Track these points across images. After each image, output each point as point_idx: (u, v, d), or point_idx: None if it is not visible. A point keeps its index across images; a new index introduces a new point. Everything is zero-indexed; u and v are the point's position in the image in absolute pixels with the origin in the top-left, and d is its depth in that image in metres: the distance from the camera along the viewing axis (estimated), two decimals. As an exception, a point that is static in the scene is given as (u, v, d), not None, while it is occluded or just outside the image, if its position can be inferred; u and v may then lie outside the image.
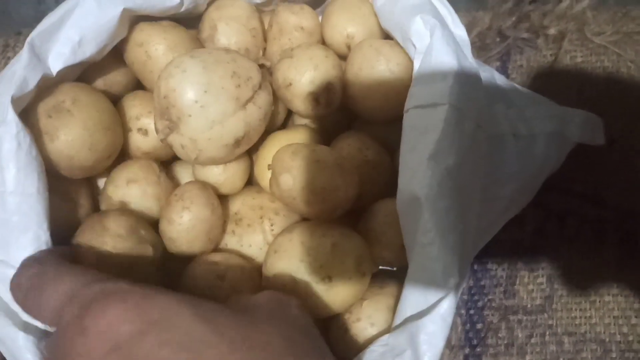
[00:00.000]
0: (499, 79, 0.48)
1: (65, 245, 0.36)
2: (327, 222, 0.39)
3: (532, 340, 0.51)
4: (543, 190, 0.46)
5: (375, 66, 0.41)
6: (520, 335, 0.51)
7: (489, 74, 0.47)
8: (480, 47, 0.58)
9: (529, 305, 0.52)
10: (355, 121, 0.48)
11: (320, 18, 0.47)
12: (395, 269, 0.42)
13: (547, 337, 0.51)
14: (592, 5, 0.57)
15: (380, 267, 0.43)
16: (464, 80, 0.36)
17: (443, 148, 0.34)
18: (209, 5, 0.45)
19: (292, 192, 0.36)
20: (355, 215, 0.42)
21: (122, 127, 0.42)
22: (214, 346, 0.24)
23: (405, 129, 0.36)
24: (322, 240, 0.37)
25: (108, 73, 0.44)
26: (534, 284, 0.52)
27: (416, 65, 0.37)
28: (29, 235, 0.34)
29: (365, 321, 0.38)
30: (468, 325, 0.52)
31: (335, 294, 0.36)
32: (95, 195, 0.43)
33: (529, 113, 0.45)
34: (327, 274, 0.36)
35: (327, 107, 0.42)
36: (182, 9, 0.42)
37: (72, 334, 0.25)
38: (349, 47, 0.44)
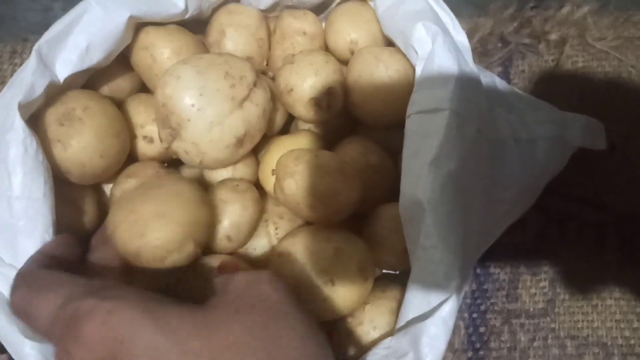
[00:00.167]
0: (500, 84, 0.48)
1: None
2: (331, 226, 0.39)
3: (535, 344, 0.51)
4: (545, 194, 0.46)
5: (374, 73, 0.42)
6: (522, 339, 0.51)
7: (490, 79, 0.48)
8: (482, 53, 0.58)
9: (531, 309, 0.52)
10: (358, 126, 0.48)
11: (323, 24, 0.48)
12: (397, 272, 0.42)
13: (549, 341, 0.51)
14: (593, 10, 0.58)
15: (383, 271, 0.43)
16: (465, 85, 0.36)
17: (445, 153, 0.34)
18: (217, 9, 0.46)
19: (295, 197, 0.37)
20: (359, 219, 0.42)
21: (129, 132, 0.42)
22: (175, 355, 0.25)
23: (407, 134, 0.36)
24: (325, 244, 0.37)
25: (113, 79, 0.44)
26: (536, 287, 0.52)
27: (418, 71, 0.38)
28: (35, 240, 0.34)
29: (368, 325, 0.38)
30: (471, 328, 0.52)
31: (338, 298, 0.36)
32: (101, 201, 0.44)
33: (530, 118, 0.45)
34: (330, 278, 0.36)
35: (328, 112, 0.43)
36: (187, 16, 0.43)
37: (62, 355, 0.27)
38: (352, 53, 0.45)
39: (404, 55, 0.42)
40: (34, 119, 0.37)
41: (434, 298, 0.33)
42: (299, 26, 0.46)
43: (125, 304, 0.27)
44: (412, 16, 0.39)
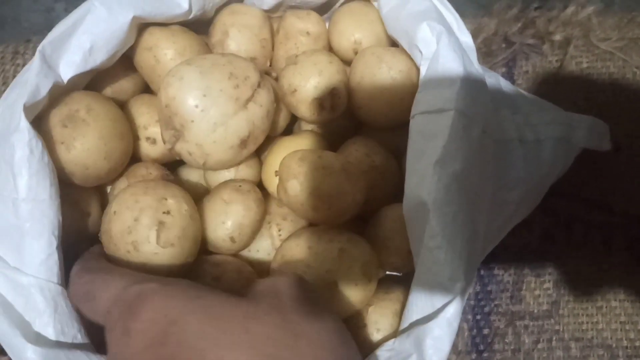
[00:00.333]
0: (505, 85, 0.48)
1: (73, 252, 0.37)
2: (335, 227, 0.39)
3: (539, 346, 0.51)
4: (550, 195, 0.46)
5: (377, 73, 0.41)
6: (527, 341, 0.51)
7: (495, 79, 0.48)
8: (486, 53, 0.58)
9: (535, 311, 0.52)
10: (362, 127, 0.48)
11: (327, 24, 0.48)
12: (401, 274, 0.42)
13: (553, 343, 0.51)
14: (597, 11, 0.57)
15: (387, 273, 0.43)
16: (470, 86, 0.36)
17: (450, 153, 0.34)
18: (221, 9, 0.46)
19: (299, 198, 0.36)
20: (363, 220, 0.42)
21: (132, 134, 0.42)
22: (223, 343, 0.27)
23: (412, 134, 0.36)
24: (329, 245, 0.37)
25: (116, 80, 0.44)
26: (540, 289, 0.52)
27: (422, 72, 0.38)
28: (42, 242, 0.34)
29: (372, 327, 0.38)
30: (475, 330, 0.52)
31: (341, 299, 0.36)
32: (104, 203, 0.44)
33: (535, 119, 0.45)
34: (333, 279, 0.36)
35: (332, 112, 0.43)
36: (191, 16, 0.43)
37: (119, 333, 0.29)
38: (356, 53, 0.45)
39: (408, 55, 0.41)
40: (38, 121, 0.37)
41: (438, 300, 0.33)
42: (302, 26, 0.46)
43: (182, 292, 0.30)
44: (416, 16, 0.39)
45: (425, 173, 0.34)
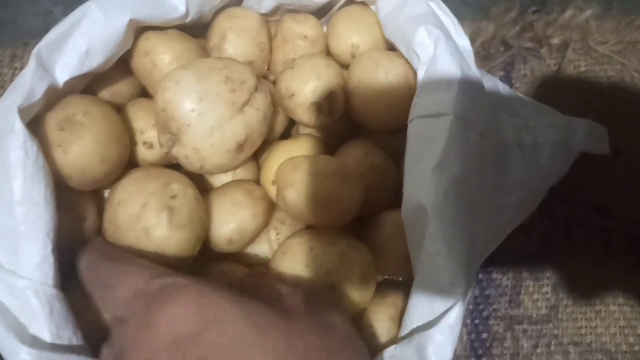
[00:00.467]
0: (503, 89, 0.48)
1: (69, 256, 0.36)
2: (336, 230, 0.39)
3: (538, 350, 0.51)
4: (548, 199, 0.46)
5: (374, 77, 0.41)
6: (525, 345, 0.51)
7: (493, 83, 0.48)
8: (484, 57, 0.58)
9: (534, 315, 0.52)
10: (360, 130, 0.48)
11: (325, 28, 0.47)
12: (400, 279, 0.41)
13: (552, 347, 0.51)
14: (595, 14, 0.57)
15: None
16: (468, 90, 0.36)
17: (448, 157, 0.34)
18: (219, 13, 0.46)
19: (298, 205, 0.37)
20: (362, 223, 0.42)
21: (129, 137, 0.42)
22: (260, 349, 0.26)
23: (410, 138, 0.36)
24: (330, 248, 0.37)
25: (113, 83, 0.44)
26: (539, 293, 0.52)
27: (420, 76, 0.38)
28: (37, 245, 0.34)
29: (367, 331, 0.38)
30: (473, 335, 0.52)
31: (337, 303, 0.36)
32: (102, 207, 0.43)
33: (533, 122, 0.45)
34: (331, 282, 0.36)
35: (330, 116, 0.43)
36: (188, 20, 0.43)
37: (139, 325, 0.27)
38: (353, 57, 0.45)
39: (405, 59, 0.41)
40: (34, 124, 0.37)
41: (439, 305, 0.33)
42: (300, 30, 0.46)
43: (216, 291, 0.28)
44: (414, 20, 0.39)
45: (423, 177, 0.34)
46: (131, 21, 0.39)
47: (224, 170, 0.41)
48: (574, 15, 0.57)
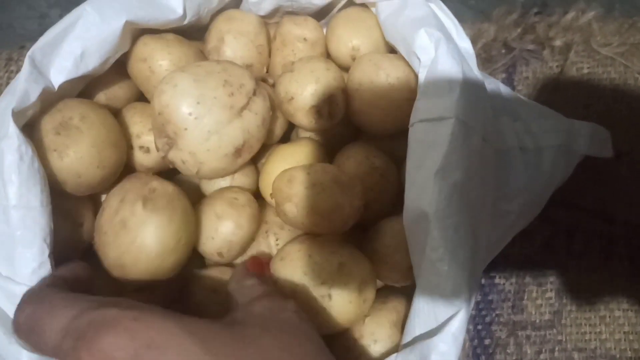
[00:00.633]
0: (505, 92, 0.48)
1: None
2: (338, 239, 0.38)
3: (541, 357, 0.50)
4: (551, 204, 0.45)
5: (374, 80, 0.41)
6: (529, 351, 0.50)
7: (495, 86, 0.47)
8: (485, 59, 0.58)
9: (537, 321, 0.51)
10: (360, 134, 0.47)
11: (324, 30, 0.47)
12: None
13: (556, 353, 0.50)
14: (598, 16, 0.57)
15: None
16: (470, 93, 0.36)
17: (450, 163, 0.33)
18: (216, 16, 0.45)
19: (298, 218, 0.36)
20: (364, 228, 0.41)
21: (125, 142, 0.41)
22: None
23: (411, 143, 0.36)
24: (329, 257, 0.36)
25: (110, 87, 0.43)
26: (542, 298, 0.51)
27: (421, 79, 0.37)
28: (34, 250, 0.33)
29: (368, 338, 0.38)
30: (476, 341, 0.51)
31: (332, 313, 0.36)
32: (98, 212, 0.43)
33: (536, 126, 0.45)
34: (327, 292, 0.35)
35: (330, 120, 0.42)
36: (185, 22, 0.42)
37: None
38: (354, 60, 0.44)
39: (406, 62, 0.41)
40: (29, 128, 0.36)
41: (442, 313, 0.32)
42: (299, 32, 0.45)
43: (154, 313, 0.27)
44: (414, 22, 0.39)
45: (425, 183, 0.33)
46: (127, 23, 0.38)
47: (222, 175, 0.41)
48: (576, 17, 0.57)
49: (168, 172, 0.45)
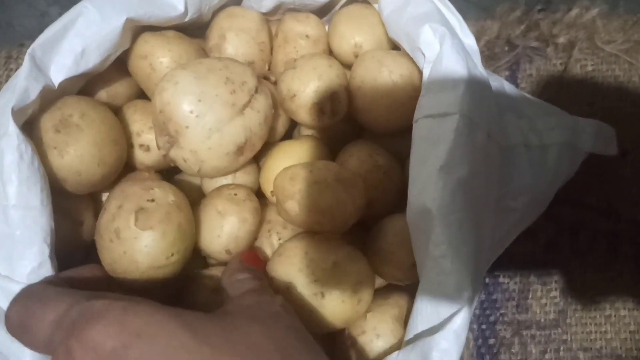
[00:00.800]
0: (509, 89, 0.47)
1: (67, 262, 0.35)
2: (337, 238, 0.38)
3: (546, 356, 0.50)
4: (556, 202, 0.45)
5: (377, 77, 0.41)
6: (533, 351, 0.50)
7: (499, 83, 0.47)
8: (489, 56, 0.57)
9: (542, 320, 0.51)
10: (363, 132, 0.47)
11: (327, 27, 0.47)
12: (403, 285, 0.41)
13: (561, 353, 0.50)
14: (602, 13, 0.57)
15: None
16: (475, 89, 0.35)
17: (455, 159, 0.33)
18: (218, 13, 0.45)
19: (300, 216, 0.36)
20: (367, 226, 0.41)
21: (126, 140, 0.41)
22: (198, 353, 0.25)
23: (415, 139, 0.35)
24: (324, 255, 0.36)
25: (111, 85, 0.43)
26: (547, 298, 0.51)
27: (425, 75, 0.37)
28: (34, 250, 0.33)
29: (371, 333, 0.37)
30: (480, 340, 0.51)
31: (325, 312, 0.35)
32: (98, 210, 0.42)
33: (540, 123, 0.44)
34: (320, 290, 0.35)
35: (332, 117, 0.42)
36: (186, 19, 0.42)
37: (62, 354, 0.26)
38: (356, 57, 0.44)
39: (410, 58, 0.41)
40: (29, 125, 0.36)
41: (445, 310, 0.32)
42: (301, 29, 0.45)
43: (143, 303, 0.27)
44: (418, 18, 0.38)
45: (429, 179, 0.33)
46: (128, 20, 0.38)
47: (223, 173, 0.41)
48: (580, 14, 0.57)
49: (169, 171, 0.45)
